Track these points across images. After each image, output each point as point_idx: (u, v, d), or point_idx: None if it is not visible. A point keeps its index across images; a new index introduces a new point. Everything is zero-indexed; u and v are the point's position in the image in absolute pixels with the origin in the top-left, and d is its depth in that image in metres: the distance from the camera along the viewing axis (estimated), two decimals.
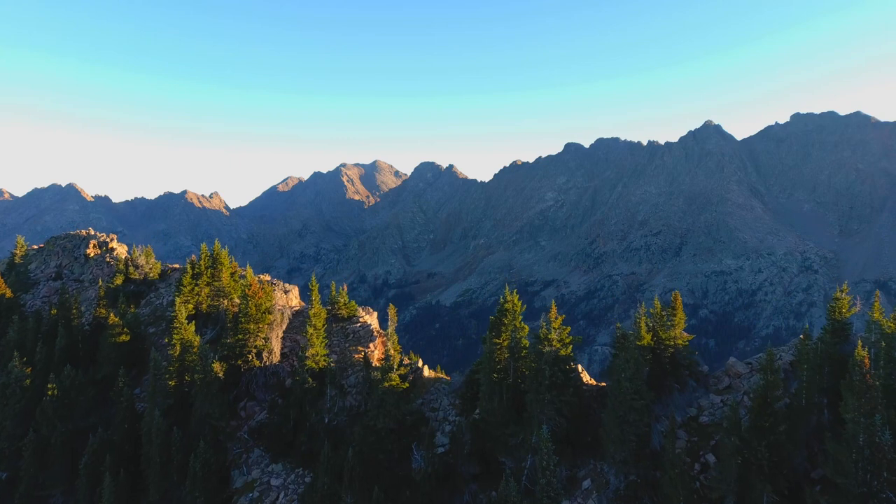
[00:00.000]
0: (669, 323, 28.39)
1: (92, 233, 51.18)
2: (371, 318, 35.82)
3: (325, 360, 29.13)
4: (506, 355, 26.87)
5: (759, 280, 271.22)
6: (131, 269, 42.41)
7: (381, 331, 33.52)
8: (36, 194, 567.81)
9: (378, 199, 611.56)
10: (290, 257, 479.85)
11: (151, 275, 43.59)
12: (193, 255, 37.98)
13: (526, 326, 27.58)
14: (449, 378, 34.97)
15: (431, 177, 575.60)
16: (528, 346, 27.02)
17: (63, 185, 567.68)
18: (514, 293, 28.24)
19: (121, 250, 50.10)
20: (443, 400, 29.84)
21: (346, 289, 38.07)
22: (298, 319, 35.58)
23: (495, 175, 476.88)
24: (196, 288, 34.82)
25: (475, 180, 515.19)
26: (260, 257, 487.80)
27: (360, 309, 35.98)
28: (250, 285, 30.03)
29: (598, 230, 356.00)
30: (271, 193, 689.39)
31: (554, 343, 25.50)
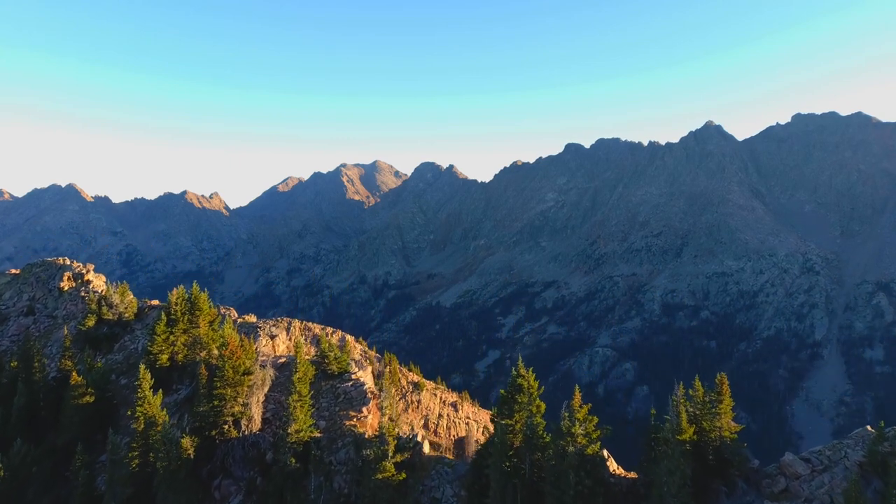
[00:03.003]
0: (715, 410, 24.32)
1: (67, 262, 45.94)
2: (365, 375, 32.31)
3: (310, 433, 25.85)
4: (520, 439, 23.61)
5: (760, 281, 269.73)
6: (104, 308, 38.00)
7: (375, 391, 30.25)
8: (36, 194, 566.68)
9: (378, 200, 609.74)
10: (289, 258, 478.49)
11: (126, 315, 39.13)
12: (175, 290, 33.92)
13: (543, 404, 24.06)
14: (451, 456, 32.27)
15: (431, 177, 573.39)
16: (544, 426, 23.41)
17: (63, 186, 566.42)
18: (531, 371, 24.85)
19: (97, 282, 45.11)
20: (445, 489, 26.34)
21: (337, 337, 36.06)
22: (284, 374, 31.48)
23: (495, 175, 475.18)
24: (171, 336, 31.18)
25: (475, 181, 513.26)
26: (260, 258, 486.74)
27: (352, 363, 32.45)
28: (227, 343, 26.68)
29: (598, 231, 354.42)
30: (271, 194, 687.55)
31: (579, 439, 21.86)
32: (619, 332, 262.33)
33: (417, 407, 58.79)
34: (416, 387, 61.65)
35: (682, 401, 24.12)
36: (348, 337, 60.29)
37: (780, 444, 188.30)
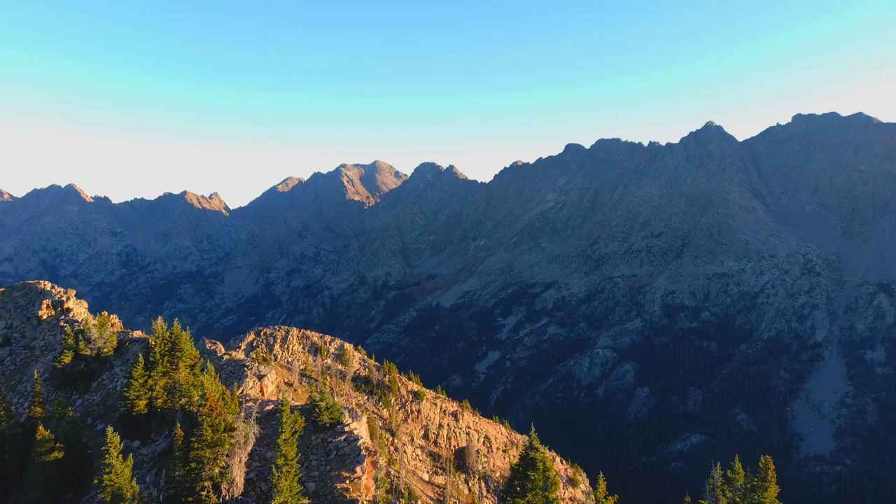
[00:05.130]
0: (759, 498, 21.60)
1: (48, 287, 42.60)
2: (360, 426, 29.11)
3: (297, 501, 23.14)
4: None
5: (761, 282, 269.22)
6: (81, 343, 34.63)
7: (370, 448, 27.87)
8: (35, 195, 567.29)
9: (378, 200, 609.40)
10: (289, 258, 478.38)
11: (105, 350, 35.45)
12: (158, 321, 31.12)
13: (559, 481, 22.66)
14: None
15: (431, 177, 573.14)
16: None
17: (62, 186, 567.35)
18: (547, 448, 23.07)
19: (78, 310, 41.44)
20: None
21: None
22: (271, 424, 28.01)
23: (495, 176, 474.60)
24: (149, 380, 28.26)
25: (475, 181, 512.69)
26: (259, 258, 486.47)
27: (346, 413, 29.44)
28: (206, 398, 24.04)
29: (598, 232, 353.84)
30: (271, 194, 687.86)
31: None
32: (620, 334, 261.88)
33: (417, 417, 58.14)
34: (416, 396, 61.00)
35: (719, 484, 21.82)
36: (347, 345, 59.47)
37: (781, 446, 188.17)
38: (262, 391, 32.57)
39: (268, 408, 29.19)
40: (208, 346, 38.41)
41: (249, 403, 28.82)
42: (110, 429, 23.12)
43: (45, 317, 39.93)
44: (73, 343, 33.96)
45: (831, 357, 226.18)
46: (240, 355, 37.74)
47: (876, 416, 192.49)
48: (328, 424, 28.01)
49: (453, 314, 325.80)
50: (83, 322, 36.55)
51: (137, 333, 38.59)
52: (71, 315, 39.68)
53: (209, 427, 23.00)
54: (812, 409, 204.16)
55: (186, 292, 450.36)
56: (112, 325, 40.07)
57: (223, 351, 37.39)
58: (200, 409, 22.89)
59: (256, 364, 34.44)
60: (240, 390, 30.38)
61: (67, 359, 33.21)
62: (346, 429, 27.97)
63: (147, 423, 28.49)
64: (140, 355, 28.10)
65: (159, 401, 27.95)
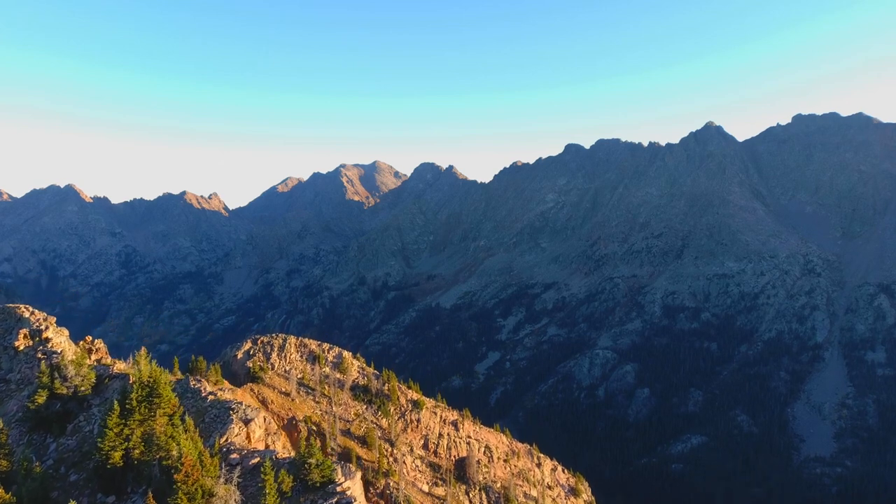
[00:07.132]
0: None
1: (27, 313, 39.14)
2: (353, 485, 25.82)
3: None
4: None
5: (761, 283, 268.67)
6: (57, 382, 31.64)
7: None
8: (34, 195, 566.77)
9: (378, 200, 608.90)
10: (289, 259, 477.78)
11: (83, 388, 32.10)
12: (142, 351, 28.88)
13: None
14: None
15: (431, 178, 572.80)
16: None
17: (62, 186, 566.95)
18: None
19: (57, 339, 37.76)
20: None
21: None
22: (256, 481, 25.27)
23: (495, 176, 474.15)
24: (125, 429, 25.98)
25: (475, 181, 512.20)
26: (259, 258, 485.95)
27: (338, 470, 26.20)
28: (181, 462, 21.64)
29: (598, 232, 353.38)
30: (270, 194, 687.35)
31: None
32: (620, 334, 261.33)
33: (417, 426, 56.89)
34: (416, 405, 59.87)
35: None
36: (345, 353, 58.42)
37: (782, 448, 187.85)
38: (248, 437, 30.35)
39: (253, 461, 26.84)
40: (192, 383, 35.48)
41: (234, 455, 27.03)
42: (72, 502, 20.66)
43: (22, 347, 36.58)
44: (48, 381, 30.88)
45: (832, 358, 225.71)
46: (226, 395, 35.12)
47: (877, 418, 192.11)
48: (318, 484, 25.45)
49: (453, 315, 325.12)
50: (61, 354, 33.48)
51: (119, 366, 35.65)
52: (49, 345, 36.40)
53: (184, 496, 20.91)
54: (812, 411, 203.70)
55: (186, 293, 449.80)
56: (97, 349, 37.32)
57: (208, 390, 35.14)
58: (175, 475, 20.90)
59: (243, 407, 31.98)
60: (223, 438, 28.67)
61: (41, 399, 30.19)
62: (339, 489, 25.51)
63: (123, 477, 26.09)
64: (116, 402, 25.78)
65: (136, 451, 25.60)
